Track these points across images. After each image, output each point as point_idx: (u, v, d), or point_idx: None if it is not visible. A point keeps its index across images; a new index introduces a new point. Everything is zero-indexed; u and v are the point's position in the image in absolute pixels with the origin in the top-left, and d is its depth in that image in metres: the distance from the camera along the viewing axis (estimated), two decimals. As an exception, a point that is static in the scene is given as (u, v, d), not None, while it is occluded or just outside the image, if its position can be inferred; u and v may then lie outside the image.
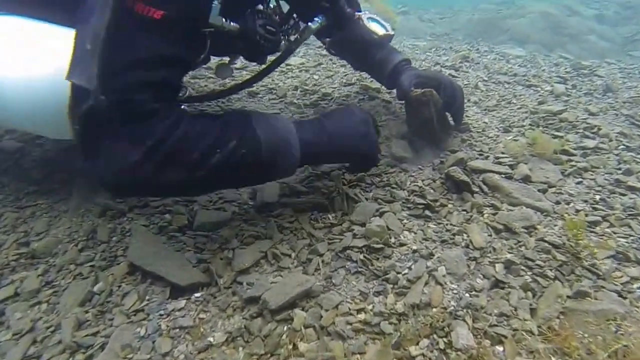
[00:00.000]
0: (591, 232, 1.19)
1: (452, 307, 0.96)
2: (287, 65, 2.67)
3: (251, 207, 1.30)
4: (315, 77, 2.41)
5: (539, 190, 1.33)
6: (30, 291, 1.06)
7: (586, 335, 0.90)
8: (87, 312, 1.00)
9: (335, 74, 2.40)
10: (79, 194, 1.37)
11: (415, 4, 5.83)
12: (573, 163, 1.47)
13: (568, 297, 1.00)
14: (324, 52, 2.93)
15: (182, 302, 1.01)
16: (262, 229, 1.20)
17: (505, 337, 0.91)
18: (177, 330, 0.94)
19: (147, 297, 1.03)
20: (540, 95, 2.04)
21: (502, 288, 1.02)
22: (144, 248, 1.12)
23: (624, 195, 1.33)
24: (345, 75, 2.33)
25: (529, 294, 1.01)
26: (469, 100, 1.96)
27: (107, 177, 0.95)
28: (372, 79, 2.02)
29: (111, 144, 0.93)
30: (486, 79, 2.31)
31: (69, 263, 1.13)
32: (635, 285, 1.04)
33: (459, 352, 0.87)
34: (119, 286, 1.06)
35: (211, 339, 0.92)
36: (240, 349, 0.90)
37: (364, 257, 1.10)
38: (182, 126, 0.96)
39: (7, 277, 1.10)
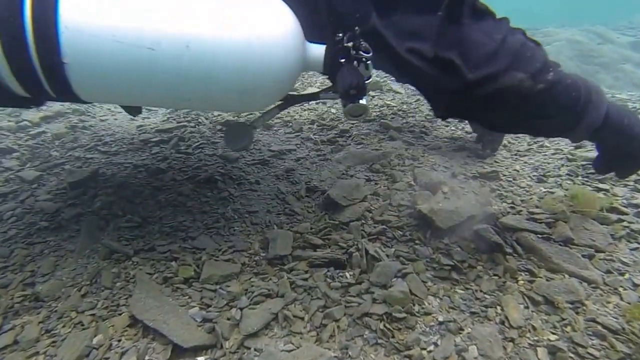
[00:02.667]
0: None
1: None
2: (305, 97, 2.63)
3: (262, 258, 1.21)
4: (333, 110, 2.36)
5: (583, 256, 1.19)
6: (29, 340, 0.99)
7: None
8: None
9: (356, 109, 2.32)
10: (87, 232, 1.33)
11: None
12: (625, 224, 1.31)
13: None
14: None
15: None
16: (273, 286, 1.11)
17: None
18: (177, 401, 0.86)
19: (146, 357, 0.95)
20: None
21: (546, 378, 0.89)
22: (147, 300, 1.05)
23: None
24: (368, 112, 2.26)
25: (578, 388, 0.88)
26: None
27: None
28: (393, 117, 1.94)
29: None
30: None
31: (71, 310, 1.07)
32: None
33: None
34: (119, 340, 0.99)
35: (211, 416, 0.83)
36: None
37: (385, 326, 0.99)
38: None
39: (10, 321, 1.05)
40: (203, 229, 1.35)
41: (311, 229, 1.32)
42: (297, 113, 2.39)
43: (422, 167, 1.62)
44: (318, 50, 1.02)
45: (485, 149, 1.77)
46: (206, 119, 2.35)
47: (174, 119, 2.39)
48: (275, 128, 2.20)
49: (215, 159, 1.83)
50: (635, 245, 1.24)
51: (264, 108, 1.10)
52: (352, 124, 2.16)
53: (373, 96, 2.61)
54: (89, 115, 2.50)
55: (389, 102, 2.46)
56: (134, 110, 1.59)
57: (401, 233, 1.29)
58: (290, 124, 2.23)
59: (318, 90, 1.21)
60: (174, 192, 1.56)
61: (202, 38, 0.88)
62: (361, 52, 1.01)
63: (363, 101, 1.03)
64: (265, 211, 1.43)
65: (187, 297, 1.09)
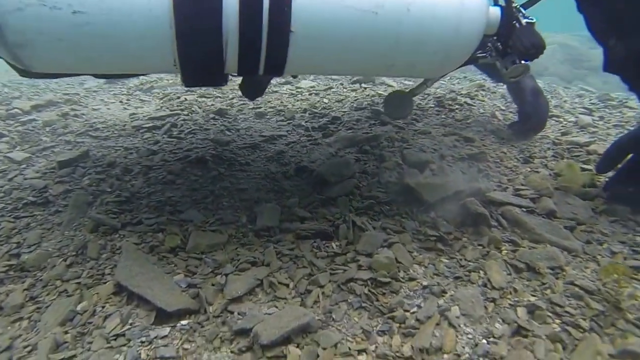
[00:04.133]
0: (633, 278, 1.06)
1: (467, 355, 0.85)
2: (297, 88, 2.65)
3: (250, 230, 1.22)
4: (325, 100, 2.37)
5: (565, 227, 1.21)
6: (14, 306, 1.00)
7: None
8: (66, 332, 0.92)
9: (345, 98, 2.36)
10: (74, 207, 1.33)
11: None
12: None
13: (611, 355, 0.85)
14: (335, 76, 2.92)
15: (166, 330, 0.92)
16: (259, 255, 1.11)
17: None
18: (158, 360, 0.85)
19: (130, 321, 0.95)
20: (563, 126, 1.94)
21: (526, 336, 0.90)
22: (133, 268, 1.05)
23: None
24: (356, 100, 2.28)
25: (558, 345, 0.88)
26: (485, 129, 1.88)
27: None
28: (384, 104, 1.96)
29: None
30: (504, 108, 2.22)
31: (55, 279, 1.07)
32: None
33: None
34: (103, 307, 0.99)
35: (193, 373, 0.82)
36: (223, 387, 0.80)
37: (369, 291, 0.99)
38: None
39: (-5, 289, 1.05)
40: (191, 203, 1.35)
41: (299, 203, 1.33)
42: (290, 103, 2.41)
43: (411, 149, 1.64)
44: (494, 13, 1.01)
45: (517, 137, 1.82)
46: (199, 107, 2.36)
47: (167, 108, 2.40)
48: (267, 116, 2.21)
49: (207, 143, 1.84)
50: (615, 218, 1.26)
51: (454, 70, 1.10)
52: (344, 111, 2.17)
53: (365, 87, 2.63)
54: (81, 105, 2.50)
55: (381, 92, 2.48)
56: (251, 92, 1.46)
57: (388, 208, 1.30)
58: (283, 112, 2.24)
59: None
60: (164, 171, 1.57)
61: (422, 1, 0.87)
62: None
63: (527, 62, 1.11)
64: (255, 189, 1.44)
65: (172, 265, 1.09)
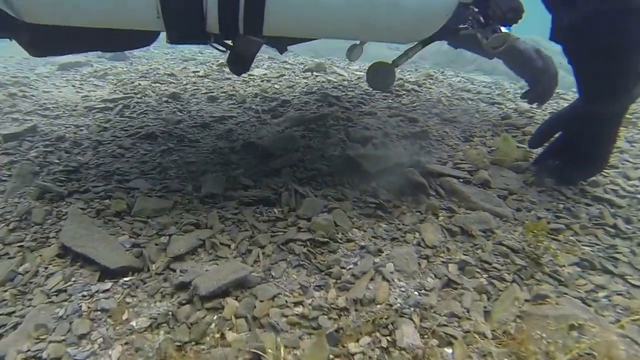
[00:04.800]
0: (554, 239, 1.14)
1: (399, 305, 0.88)
2: (249, 75, 2.64)
3: (195, 197, 1.20)
4: (277, 86, 2.39)
5: (498, 196, 1.28)
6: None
7: (545, 338, 0.83)
8: (5, 291, 0.90)
9: (296, 84, 2.38)
10: (18, 176, 1.28)
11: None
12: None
13: (526, 300, 0.92)
14: (288, 65, 2.95)
15: (107, 284, 0.91)
16: (203, 218, 1.11)
17: (455, 339, 0.82)
18: (99, 312, 0.84)
19: (72, 279, 0.93)
20: (503, 112, 2.05)
21: (455, 289, 0.94)
22: (78, 230, 1.03)
23: (589, 205, 1.29)
24: (307, 86, 2.30)
25: (484, 296, 0.93)
26: (430, 112, 1.95)
27: None
28: (333, 90, 2.00)
29: None
30: (449, 95, 2.31)
31: (-4, 242, 1.02)
32: (601, 294, 0.97)
33: (403, 351, 0.78)
34: (46, 267, 0.96)
35: (133, 324, 0.82)
36: (162, 333, 0.80)
37: (308, 250, 1.01)
38: None
39: None
40: (139, 174, 1.32)
41: (244, 174, 1.32)
42: (242, 88, 2.39)
43: (355, 127, 1.67)
44: None
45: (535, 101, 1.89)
46: (153, 92, 2.30)
47: (121, 92, 2.32)
48: (219, 100, 2.19)
49: (158, 122, 1.80)
50: (543, 188, 1.34)
51: (428, 35, 1.13)
52: (294, 95, 2.18)
53: (317, 75, 2.66)
54: (31, 88, 2.37)
55: (331, 79, 2.51)
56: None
57: (331, 179, 1.32)
58: (235, 97, 2.22)
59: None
60: (114, 145, 1.52)
61: None
62: None
63: (504, 30, 1.13)
64: (203, 162, 1.42)
65: (118, 227, 1.07)
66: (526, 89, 1.92)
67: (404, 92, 2.23)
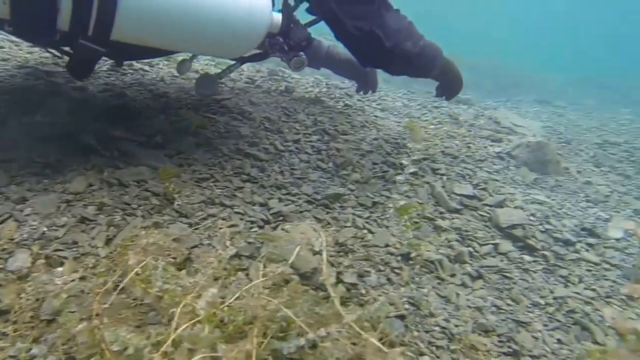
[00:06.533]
0: (197, 185, 1.46)
1: (22, 238, 1.06)
2: None
3: None
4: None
5: (166, 156, 1.56)
6: None
7: (142, 249, 1.12)
8: None
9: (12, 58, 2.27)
10: None
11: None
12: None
13: (143, 227, 1.21)
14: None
15: None
16: None
17: (66, 259, 1.05)
18: None
19: None
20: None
21: (87, 224, 1.18)
22: None
23: (239, 160, 1.67)
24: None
25: (112, 228, 1.19)
26: (146, 89, 2.16)
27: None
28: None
29: None
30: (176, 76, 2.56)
31: None
32: (210, 221, 1.34)
33: (8, 273, 0.97)
34: None
35: None
36: None
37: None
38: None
39: None
40: None
41: None
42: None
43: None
44: (277, 17, 1.46)
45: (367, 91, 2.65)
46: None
47: None
48: None
49: None
50: (208, 148, 1.70)
51: (239, 55, 1.57)
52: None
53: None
54: None
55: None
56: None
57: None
58: None
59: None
60: None
61: None
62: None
63: (303, 56, 1.63)
64: None
65: None
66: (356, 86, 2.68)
67: (129, 72, 2.37)
